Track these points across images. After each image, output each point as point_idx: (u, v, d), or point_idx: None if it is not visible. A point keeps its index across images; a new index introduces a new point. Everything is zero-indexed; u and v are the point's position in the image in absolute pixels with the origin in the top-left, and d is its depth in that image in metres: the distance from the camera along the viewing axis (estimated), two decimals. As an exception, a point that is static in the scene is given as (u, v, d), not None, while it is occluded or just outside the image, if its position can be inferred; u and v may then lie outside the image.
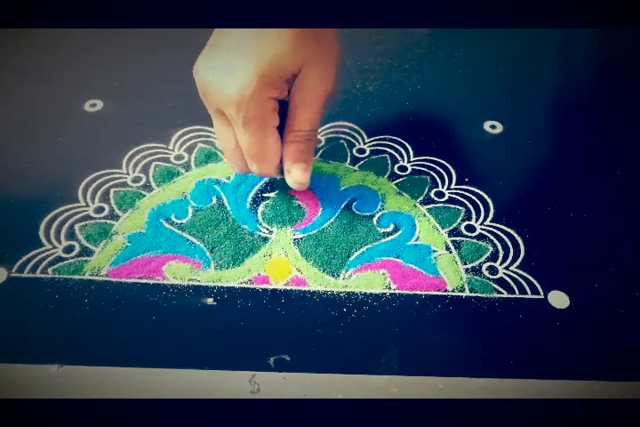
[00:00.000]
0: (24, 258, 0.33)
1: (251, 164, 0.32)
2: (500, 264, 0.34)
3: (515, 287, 0.33)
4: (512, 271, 0.34)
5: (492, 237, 0.35)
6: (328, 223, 0.36)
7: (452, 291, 0.33)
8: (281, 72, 0.29)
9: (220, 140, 0.33)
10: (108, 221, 0.35)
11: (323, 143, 0.41)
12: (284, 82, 0.30)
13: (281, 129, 0.32)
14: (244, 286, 0.32)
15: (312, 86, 0.30)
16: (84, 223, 0.35)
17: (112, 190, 0.37)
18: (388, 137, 0.41)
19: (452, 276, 0.33)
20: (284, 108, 0.31)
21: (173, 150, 0.40)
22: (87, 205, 0.36)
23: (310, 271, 0.33)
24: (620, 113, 0.44)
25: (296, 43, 0.29)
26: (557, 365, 0.30)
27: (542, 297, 0.33)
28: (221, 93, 0.29)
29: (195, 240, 0.35)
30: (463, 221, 0.36)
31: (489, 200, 0.37)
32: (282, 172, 0.34)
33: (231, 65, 0.28)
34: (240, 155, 0.32)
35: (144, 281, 0.32)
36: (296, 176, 0.33)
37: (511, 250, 0.35)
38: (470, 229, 0.36)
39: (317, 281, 0.33)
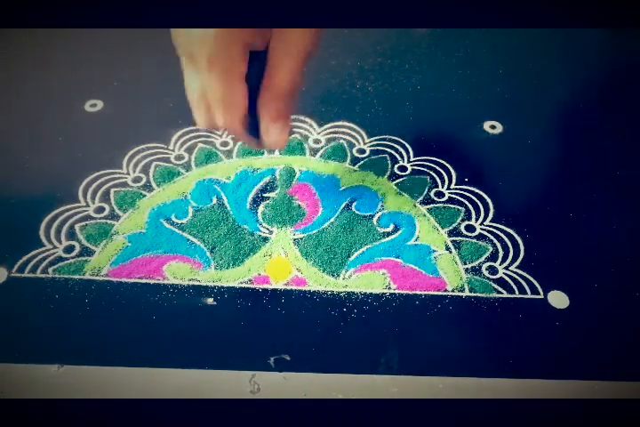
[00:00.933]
0: (24, 258, 0.33)
1: (215, 114, 0.30)
2: (500, 264, 0.34)
3: (514, 287, 0.33)
4: (512, 271, 0.34)
5: (491, 237, 0.35)
6: (328, 223, 0.36)
7: (452, 291, 0.33)
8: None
9: (187, 87, 0.30)
10: (109, 221, 0.35)
11: (323, 143, 0.41)
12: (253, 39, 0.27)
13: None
14: (244, 285, 0.32)
15: (293, 39, 0.28)
16: (84, 223, 0.35)
17: (112, 190, 0.37)
18: (387, 137, 0.41)
19: (451, 276, 0.33)
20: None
21: (173, 150, 0.40)
22: (87, 205, 0.36)
23: (310, 271, 0.33)
24: (620, 113, 0.44)
25: None
26: (557, 365, 0.30)
27: (542, 297, 0.33)
28: (191, 33, 0.27)
29: (195, 240, 0.35)
30: (463, 221, 0.36)
31: (489, 200, 0.37)
32: (251, 132, 0.31)
33: None
34: (205, 104, 0.30)
35: (144, 281, 0.33)
36: (274, 136, 0.30)
37: (511, 250, 0.35)
38: (470, 229, 0.36)
39: (317, 281, 0.33)
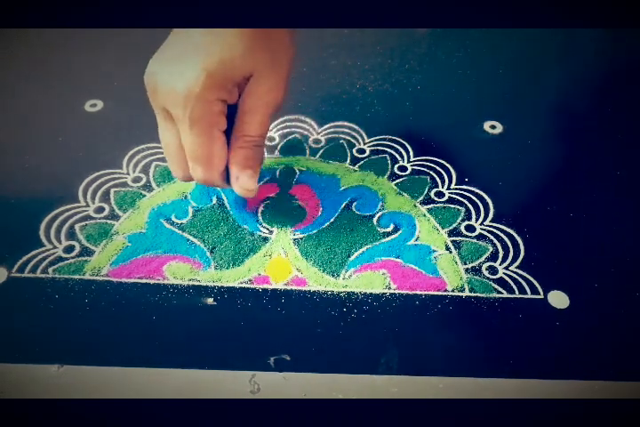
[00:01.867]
0: (24, 258, 0.33)
1: (194, 168, 0.31)
2: (500, 264, 0.34)
3: (514, 287, 0.33)
4: (512, 271, 0.34)
5: (491, 237, 0.35)
6: (328, 223, 0.36)
7: (452, 291, 0.33)
8: (230, 73, 0.28)
9: (164, 141, 0.31)
10: (109, 221, 0.35)
11: (323, 143, 0.41)
12: (233, 85, 0.29)
13: (228, 135, 0.31)
14: (244, 285, 0.32)
15: (262, 94, 0.30)
16: (84, 223, 0.35)
17: (112, 190, 0.37)
18: (387, 137, 0.41)
19: (451, 276, 0.33)
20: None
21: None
22: (87, 205, 0.36)
23: (310, 271, 0.33)
24: (620, 113, 0.44)
25: (248, 47, 0.28)
26: (557, 365, 0.30)
27: (542, 297, 0.33)
28: (169, 91, 0.28)
29: (195, 240, 0.35)
30: (463, 221, 0.36)
31: (489, 200, 0.37)
32: (226, 181, 0.32)
33: (180, 63, 0.28)
34: (182, 158, 0.31)
35: (144, 281, 0.33)
36: (244, 183, 0.31)
37: (511, 250, 0.35)
38: (470, 229, 0.36)
39: (317, 281, 0.33)
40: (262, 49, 0.29)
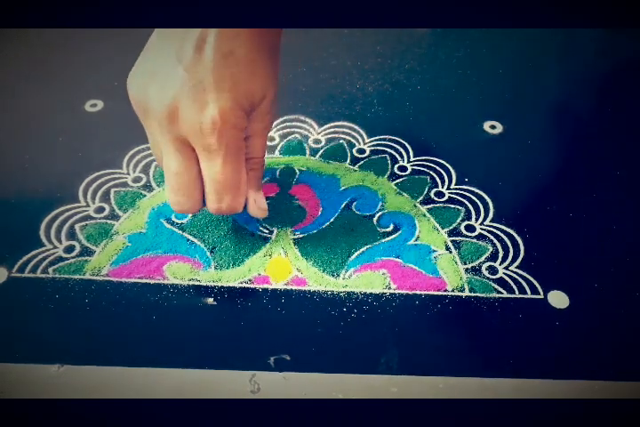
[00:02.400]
0: (24, 258, 0.33)
1: (220, 199, 0.29)
2: (500, 264, 0.34)
3: (514, 287, 0.33)
4: (512, 271, 0.34)
5: (491, 237, 0.35)
6: (328, 223, 0.36)
7: (452, 291, 0.33)
8: (253, 99, 0.28)
9: (174, 171, 0.29)
10: (109, 221, 0.35)
11: (323, 143, 0.41)
12: (252, 110, 0.29)
13: None
14: (244, 285, 0.32)
15: (267, 113, 0.30)
16: (84, 223, 0.35)
17: (112, 190, 0.37)
18: (387, 137, 0.41)
19: (451, 276, 0.33)
20: None
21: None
22: (88, 205, 0.36)
23: (310, 271, 0.33)
24: (620, 113, 0.44)
25: (265, 67, 0.28)
26: (557, 365, 0.30)
27: (542, 297, 0.33)
28: (196, 120, 0.26)
29: (195, 240, 0.35)
30: (463, 221, 0.36)
31: (489, 200, 0.37)
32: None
33: (199, 90, 0.26)
34: (196, 189, 0.29)
35: (144, 281, 0.33)
36: (261, 203, 0.32)
37: (511, 250, 0.35)
38: (470, 229, 0.36)
39: (317, 281, 0.33)
40: (274, 68, 0.29)
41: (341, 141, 0.41)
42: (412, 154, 0.40)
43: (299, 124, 0.42)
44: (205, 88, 0.27)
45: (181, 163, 0.28)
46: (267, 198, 0.37)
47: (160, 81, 0.27)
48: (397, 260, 0.34)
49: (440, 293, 0.33)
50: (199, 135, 0.27)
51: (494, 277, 0.33)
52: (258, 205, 0.32)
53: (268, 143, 0.40)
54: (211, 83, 0.26)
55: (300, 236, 0.35)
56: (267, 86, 0.28)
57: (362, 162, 0.40)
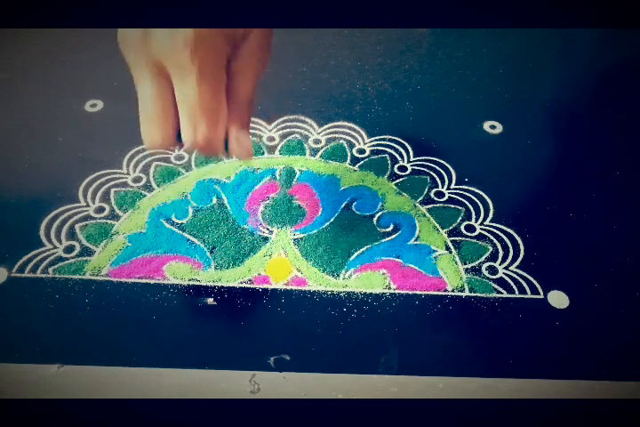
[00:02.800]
0: (24, 258, 0.33)
1: (196, 127, 0.27)
2: (500, 264, 0.34)
3: (514, 287, 0.33)
4: (512, 271, 0.34)
5: (491, 237, 0.35)
6: (328, 223, 0.36)
7: (452, 291, 0.33)
8: (234, 32, 0.27)
9: (148, 99, 0.28)
10: (109, 221, 0.35)
11: (323, 143, 0.41)
12: (234, 38, 0.27)
13: None
14: (244, 285, 0.32)
15: (252, 54, 0.28)
16: (84, 223, 0.35)
17: (112, 190, 0.37)
18: (387, 137, 0.41)
19: (451, 276, 0.33)
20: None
21: (174, 150, 0.40)
22: (88, 205, 0.36)
23: (310, 271, 0.33)
24: (620, 113, 0.44)
25: None
26: (557, 365, 0.30)
27: (542, 297, 0.33)
28: (167, 38, 0.25)
29: (195, 240, 0.35)
30: (463, 220, 0.36)
31: (489, 200, 0.37)
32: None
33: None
34: (169, 119, 0.28)
35: (144, 281, 0.33)
36: (244, 141, 0.29)
37: (511, 250, 0.35)
38: (470, 229, 0.36)
39: (317, 281, 0.33)
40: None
41: (341, 141, 0.41)
42: (411, 154, 0.40)
43: (299, 124, 0.42)
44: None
45: (154, 89, 0.27)
46: (267, 198, 0.37)
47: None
48: (397, 260, 0.34)
49: (440, 293, 0.33)
50: (172, 52, 0.26)
51: (494, 277, 0.33)
52: (240, 143, 0.29)
53: (268, 143, 0.40)
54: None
55: (300, 236, 0.35)
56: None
57: (362, 162, 0.40)
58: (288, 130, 0.42)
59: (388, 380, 0.29)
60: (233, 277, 0.33)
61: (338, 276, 0.33)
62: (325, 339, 0.30)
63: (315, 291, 0.32)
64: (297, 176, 0.38)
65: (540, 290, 0.33)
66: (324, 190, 0.38)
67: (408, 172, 0.39)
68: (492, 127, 0.43)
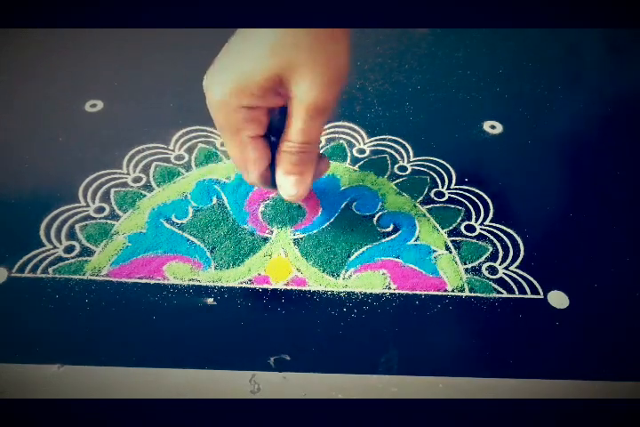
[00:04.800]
0: (24, 258, 0.33)
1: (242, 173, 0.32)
2: (500, 264, 0.34)
3: (514, 287, 0.33)
4: (512, 271, 0.34)
5: (491, 237, 0.35)
6: (328, 223, 0.36)
7: (452, 291, 0.33)
8: (252, 78, 0.26)
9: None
10: (109, 221, 0.35)
11: (323, 143, 0.41)
12: (260, 89, 0.27)
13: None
14: (244, 285, 0.32)
15: (301, 95, 0.27)
16: (84, 223, 0.35)
17: (112, 190, 0.37)
18: (387, 137, 0.41)
19: (451, 276, 0.33)
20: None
21: (174, 150, 0.40)
22: (88, 205, 0.36)
23: (310, 271, 0.33)
24: (620, 113, 0.44)
25: (278, 44, 0.26)
26: (557, 365, 0.30)
27: (542, 297, 0.33)
28: (208, 101, 0.28)
29: (195, 240, 0.35)
30: (463, 221, 0.36)
31: (489, 200, 0.37)
32: (273, 184, 0.31)
33: (220, 71, 0.28)
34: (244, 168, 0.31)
35: (144, 281, 0.33)
36: (285, 188, 0.31)
37: (511, 250, 0.35)
38: (470, 229, 0.36)
39: (317, 281, 0.33)
40: (293, 46, 0.26)
41: (341, 141, 0.41)
42: (412, 154, 0.40)
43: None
44: (222, 67, 0.27)
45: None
46: (267, 198, 0.37)
47: (215, 75, 0.29)
48: (397, 260, 0.34)
49: (440, 293, 0.33)
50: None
51: (494, 277, 0.33)
52: (282, 190, 0.31)
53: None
54: (226, 61, 0.27)
55: (300, 236, 0.35)
56: (277, 64, 0.26)
57: (362, 162, 0.40)
58: (288, 130, 0.42)
59: (388, 380, 0.29)
60: (233, 278, 0.33)
61: (338, 276, 0.33)
62: (325, 339, 0.30)
63: (315, 291, 0.32)
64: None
65: (540, 290, 0.33)
66: (324, 190, 0.38)
67: (408, 172, 0.39)
68: (492, 127, 0.43)
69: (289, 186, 0.31)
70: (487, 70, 0.48)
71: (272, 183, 0.32)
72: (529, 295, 0.33)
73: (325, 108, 0.27)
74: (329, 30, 0.27)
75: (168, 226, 0.35)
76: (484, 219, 0.36)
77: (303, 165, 0.30)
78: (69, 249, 0.34)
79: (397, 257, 0.34)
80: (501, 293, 0.33)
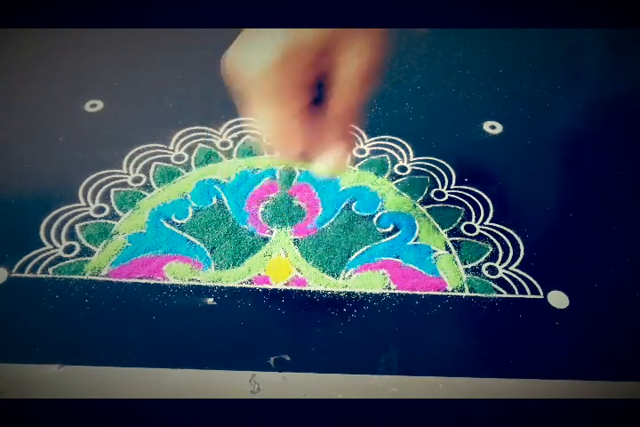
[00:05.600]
0: (24, 258, 0.33)
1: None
2: (500, 264, 0.34)
3: (514, 287, 0.33)
4: (512, 271, 0.34)
5: (491, 237, 0.35)
6: (328, 223, 0.36)
7: (452, 291, 0.33)
8: (304, 43, 0.26)
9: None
10: (109, 222, 0.35)
11: (323, 143, 0.41)
12: (312, 54, 0.26)
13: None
14: (244, 285, 0.32)
15: (347, 63, 0.26)
16: (84, 223, 0.35)
17: (112, 190, 0.37)
18: (387, 137, 0.41)
19: (451, 276, 0.33)
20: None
21: (174, 150, 0.40)
22: (88, 205, 0.36)
23: (310, 271, 0.33)
24: (620, 113, 0.44)
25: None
26: (557, 365, 0.30)
27: (542, 297, 0.33)
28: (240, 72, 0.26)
29: (195, 240, 0.35)
30: (463, 221, 0.36)
31: (488, 200, 0.37)
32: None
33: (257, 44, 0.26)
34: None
35: (144, 281, 0.33)
36: (326, 161, 0.28)
37: (511, 250, 0.35)
38: (470, 229, 0.36)
39: (317, 281, 0.33)
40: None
41: (341, 141, 0.41)
42: (411, 154, 0.40)
43: (299, 124, 0.42)
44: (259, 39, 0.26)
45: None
46: (267, 198, 0.37)
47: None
48: (397, 260, 0.34)
49: (440, 293, 0.33)
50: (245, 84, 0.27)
51: (494, 277, 0.33)
52: (323, 162, 0.28)
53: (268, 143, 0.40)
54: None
55: (300, 236, 0.35)
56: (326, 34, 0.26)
57: (362, 162, 0.40)
58: (288, 130, 0.42)
59: (388, 380, 0.29)
60: (233, 278, 0.33)
61: (338, 276, 0.33)
62: (325, 339, 0.30)
63: (315, 291, 0.32)
64: (297, 176, 0.38)
65: (540, 290, 0.33)
66: (324, 190, 0.38)
67: (408, 172, 0.39)
68: (492, 127, 0.43)
69: (330, 159, 0.28)
70: (487, 70, 0.48)
71: (307, 157, 0.29)
72: (529, 295, 0.33)
73: (370, 78, 0.27)
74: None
75: (168, 226, 0.35)
76: (484, 219, 0.36)
77: (345, 137, 0.29)
78: (69, 249, 0.34)
79: (397, 257, 0.34)
80: (501, 293, 0.33)
